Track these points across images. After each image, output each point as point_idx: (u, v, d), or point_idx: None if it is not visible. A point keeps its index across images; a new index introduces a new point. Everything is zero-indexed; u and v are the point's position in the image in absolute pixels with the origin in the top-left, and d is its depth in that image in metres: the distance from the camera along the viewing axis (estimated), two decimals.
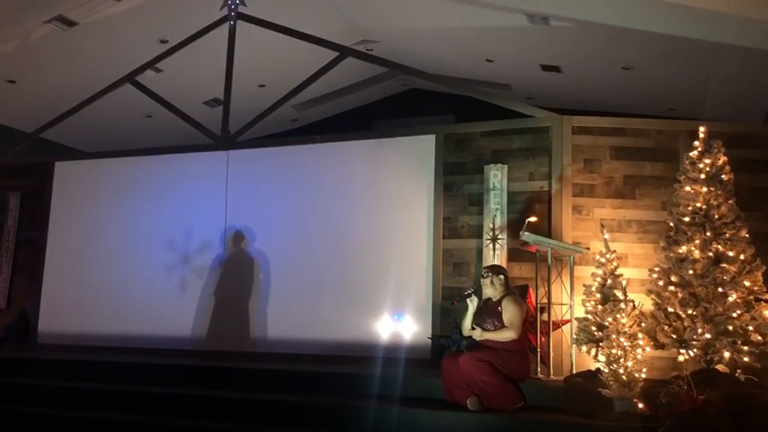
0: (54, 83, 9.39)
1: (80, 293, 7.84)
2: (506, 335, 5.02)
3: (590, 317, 5.31)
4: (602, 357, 4.99)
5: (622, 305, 5.09)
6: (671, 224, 5.54)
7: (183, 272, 7.55)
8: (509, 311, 5.06)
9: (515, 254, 6.37)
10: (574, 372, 5.64)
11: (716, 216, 5.32)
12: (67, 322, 7.80)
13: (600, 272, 5.36)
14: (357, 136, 7.60)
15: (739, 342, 5.05)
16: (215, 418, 5.27)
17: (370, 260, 6.94)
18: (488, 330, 5.08)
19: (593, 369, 5.23)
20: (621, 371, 4.75)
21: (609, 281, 5.29)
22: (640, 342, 4.95)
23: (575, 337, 5.55)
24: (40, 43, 8.54)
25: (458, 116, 10.12)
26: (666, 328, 5.26)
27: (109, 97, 8.47)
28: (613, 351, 4.84)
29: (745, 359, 5.04)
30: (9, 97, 9.62)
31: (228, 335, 7.28)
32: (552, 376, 5.79)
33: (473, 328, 5.15)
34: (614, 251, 5.44)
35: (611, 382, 4.75)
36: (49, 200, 8.24)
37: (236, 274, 7.41)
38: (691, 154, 5.54)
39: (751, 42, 7.18)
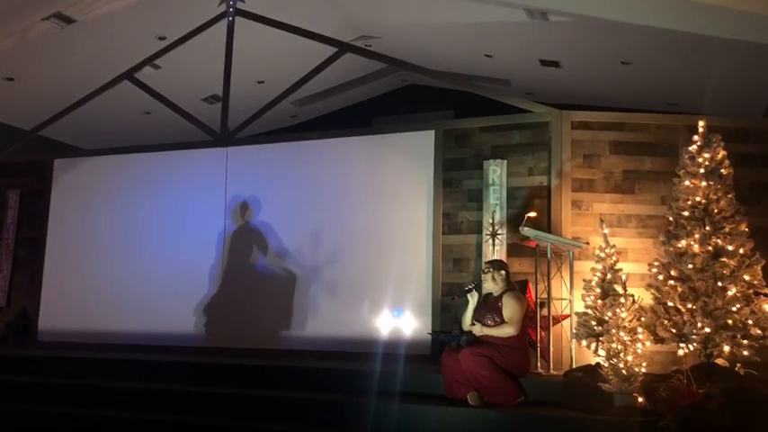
0: (52, 80, 9.39)
1: (80, 291, 7.84)
2: (506, 330, 5.02)
3: (590, 311, 5.31)
4: (601, 352, 5.00)
5: (622, 300, 5.09)
6: (670, 219, 5.54)
7: (183, 268, 7.54)
8: (509, 307, 5.07)
9: (515, 249, 6.37)
10: (574, 366, 5.65)
11: (715, 210, 5.32)
12: (67, 320, 7.79)
13: (599, 267, 5.36)
14: (356, 132, 7.60)
15: (739, 336, 5.05)
16: (214, 414, 5.28)
17: (369, 256, 6.94)
18: (488, 326, 5.09)
19: (593, 364, 5.24)
20: (621, 365, 4.76)
21: (608, 275, 5.29)
22: (640, 336, 4.95)
23: (574, 331, 5.56)
24: (39, 40, 8.53)
25: (457, 112, 10.12)
26: (666, 322, 5.26)
27: (107, 94, 8.46)
28: (613, 345, 4.84)
29: (745, 353, 5.04)
30: (7, 95, 9.61)
31: (228, 332, 7.28)
32: (552, 371, 5.79)
33: (473, 324, 5.16)
34: (614, 246, 5.43)
35: (610, 377, 4.76)
36: (48, 197, 8.24)
37: (236, 272, 7.41)
38: (690, 148, 5.53)
39: (750, 36, 7.17)
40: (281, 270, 7.24)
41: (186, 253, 7.56)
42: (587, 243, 6.12)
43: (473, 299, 5.25)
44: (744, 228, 5.32)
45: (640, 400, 4.60)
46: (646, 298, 5.44)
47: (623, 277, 5.27)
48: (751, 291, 5.17)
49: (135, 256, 7.74)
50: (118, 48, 8.76)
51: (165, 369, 6.25)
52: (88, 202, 8.07)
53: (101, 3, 8.04)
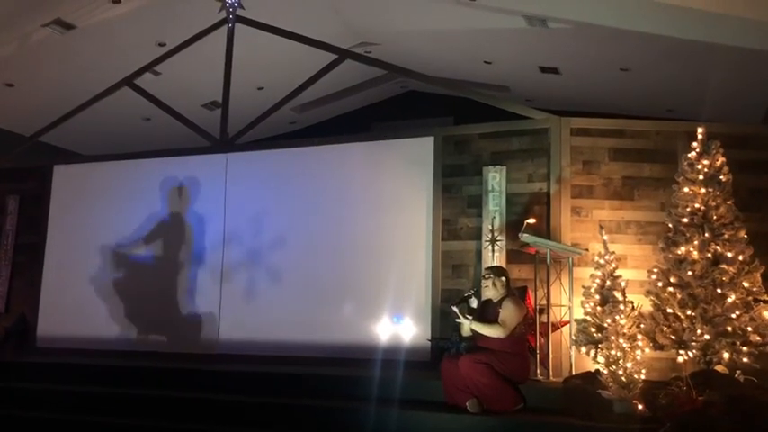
0: (52, 86, 9.40)
1: (79, 297, 7.81)
2: (494, 331, 5.00)
3: (589, 318, 5.30)
4: (601, 359, 4.99)
5: (621, 306, 5.09)
6: (669, 225, 5.54)
7: (181, 274, 7.54)
8: (506, 310, 5.07)
9: (514, 255, 6.37)
10: (573, 373, 5.64)
11: (714, 217, 5.32)
12: (66, 326, 7.78)
13: (599, 273, 5.36)
14: (356, 138, 7.60)
15: (738, 343, 5.05)
16: (214, 420, 5.27)
17: (369, 262, 6.93)
18: (479, 323, 5.07)
19: (593, 370, 5.22)
20: (621, 372, 4.75)
21: (608, 282, 5.29)
22: (639, 343, 4.95)
23: (574, 338, 5.55)
24: (39, 47, 8.54)
25: (456, 118, 10.12)
26: (665, 329, 5.25)
27: (107, 100, 8.47)
28: (612, 352, 4.84)
29: (745, 360, 5.04)
30: (7, 101, 9.62)
31: (229, 338, 7.27)
32: (551, 378, 5.79)
33: (465, 317, 5.12)
34: (613, 252, 5.43)
35: (610, 384, 4.76)
36: (47, 203, 8.23)
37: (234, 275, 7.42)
38: (689, 155, 5.54)
39: (748, 43, 7.19)
40: (279, 275, 7.22)
41: (185, 258, 7.56)
42: (587, 249, 6.12)
43: (473, 305, 5.24)
44: (743, 234, 5.32)
45: (640, 406, 4.60)
46: (645, 305, 5.44)
47: (622, 284, 5.27)
48: (750, 297, 5.16)
49: (134, 261, 7.73)
50: (118, 54, 8.77)
51: (165, 375, 6.23)
52: (87, 208, 8.06)
53: (101, 9, 8.05)
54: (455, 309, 5.18)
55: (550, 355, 5.86)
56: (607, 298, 5.22)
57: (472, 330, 5.12)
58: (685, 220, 5.39)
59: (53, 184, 8.28)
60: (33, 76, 9.20)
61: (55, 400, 5.79)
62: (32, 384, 6.17)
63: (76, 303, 7.81)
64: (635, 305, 5.23)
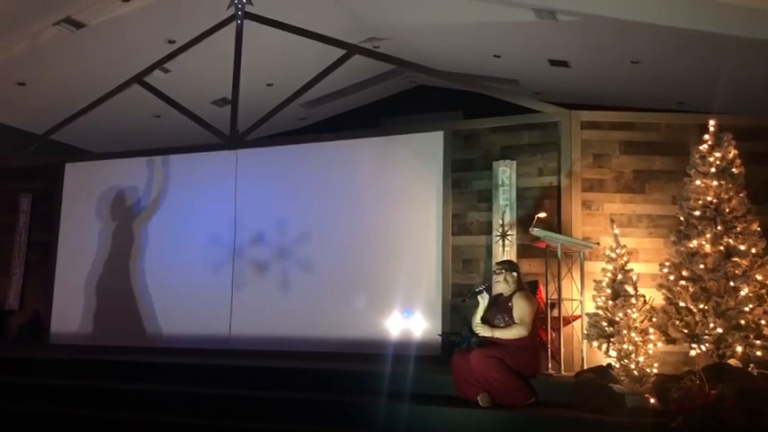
0: (63, 84, 9.45)
1: (91, 294, 7.87)
2: (516, 332, 5.01)
3: (601, 312, 5.28)
4: (613, 353, 4.98)
5: (633, 300, 5.07)
6: (681, 218, 5.51)
7: (194, 270, 7.58)
8: (520, 308, 5.05)
9: (525, 250, 6.35)
10: (585, 367, 5.62)
11: (727, 210, 5.28)
12: (79, 322, 7.83)
13: (610, 267, 5.34)
14: (365, 133, 7.60)
15: (751, 336, 5.02)
16: (232, 416, 5.27)
17: (379, 258, 6.94)
18: (499, 327, 5.08)
19: (605, 364, 5.21)
20: (633, 366, 4.74)
21: (619, 276, 5.26)
22: (651, 337, 4.93)
23: (585, 332, 5.53)
24: (49, 45, 8.60)
25: (466, 112, 10.09)
26: (678, 322, 5.23)
27: (118, 98, 8.51)
28: (624, 346, 4.82)
29: (758, 353, 5.01)
30: (19, 99, 9.69)
31: (240, 334, 7.30)
32: (563, 372, 5.77)
33: (481, 324, 5.13)
34: (624, 246, 5.41)
35: (622, 378, 4.74)
36: (59, 201, 8.29)
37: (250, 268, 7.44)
38: (701, 147, 5.50)
39: (761, 34, 7.13)
40: (290, 270, 7.24)
41: (196, 255, 7.60)
42: (598, 243, 6.10)
43: (483, 300, 5.25)
44: (756, 227, 5.29)
45: (652, 400, 4.58)
46: (657, 298, 5.41)
47: (634, 278, 5.24)
48: (763, 291, 5.13)
49: (145, 258, 7.78)
50: (128, 52, 8.81)
51: (177, 370, 6.27)
52: (99, 206, 8.10)
53: (111, 7, 8.09)
54: (479, 294, 5.20)
55: (562, 350, 5.84)
56: (619, 292, 5.20)
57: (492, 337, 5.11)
58: (697, 212, 5.36)
59: (65, 181, 8.34)
60: (44, 75, 9.26)
61: (68, 396, 5.83)
62: (46, 380, 6.21)
63: (89, 300, 7.86)
64: (647, 299, 5.20)
